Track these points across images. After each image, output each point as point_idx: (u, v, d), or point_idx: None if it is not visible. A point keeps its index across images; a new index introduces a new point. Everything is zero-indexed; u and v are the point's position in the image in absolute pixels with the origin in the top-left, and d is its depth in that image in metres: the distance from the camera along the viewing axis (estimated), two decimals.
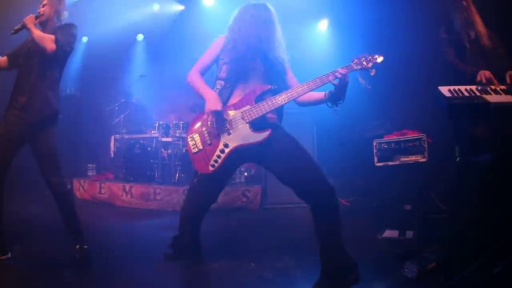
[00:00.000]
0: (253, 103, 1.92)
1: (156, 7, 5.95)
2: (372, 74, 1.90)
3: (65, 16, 2.39)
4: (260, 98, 1.94)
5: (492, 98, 1.91)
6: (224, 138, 1.92)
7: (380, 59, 1.90)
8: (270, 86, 1.97)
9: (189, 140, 2.01)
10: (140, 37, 6.61)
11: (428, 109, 3.76)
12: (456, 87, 2.00)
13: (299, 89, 1.90)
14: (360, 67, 1.90)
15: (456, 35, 2.38)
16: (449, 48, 2.38)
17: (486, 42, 2.32)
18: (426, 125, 3.76)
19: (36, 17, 2.25)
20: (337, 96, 1.91)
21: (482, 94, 1.95)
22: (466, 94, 1.96)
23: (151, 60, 6.48)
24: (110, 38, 5.84)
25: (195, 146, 1.97)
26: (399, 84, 4.45)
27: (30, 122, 2.19)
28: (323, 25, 5.65)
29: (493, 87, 1.99)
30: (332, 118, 4.89)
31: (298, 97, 1.92)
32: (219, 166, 1.90)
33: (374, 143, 3.58)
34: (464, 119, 2.24)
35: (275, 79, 2.03)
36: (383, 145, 3.54)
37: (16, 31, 2.22)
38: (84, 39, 6.27)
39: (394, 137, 3.53)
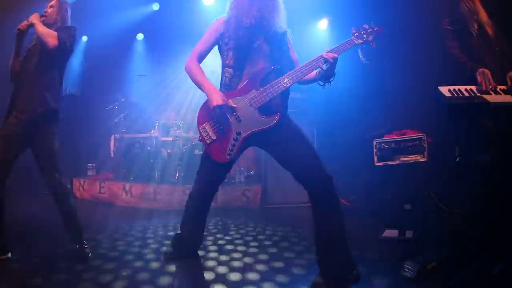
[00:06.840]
0: (259, 86, 1.92)
1: (156, 7, 5.95)
2: (373, 46, 1.87)
3: (68, 23, 2.41)
4: (264, 80, 1.93)
5: (492, 98, 1.91)
6: (236, 126, 1.92)
7: (380, 30, 1.88)
8: (272, 67, 1.95)
9: (201, 131, 1.99)
10: (140, 37, 6.62)
11: (428, 109, 3.77)
12: (456, 87, 2.00)
13: (303, 69, 1.90)
14: (361, 41, 1.89)
15: (460, 25, 2.36)
16: (453, 40, 2.36)
17: (491, 32, 2.30)
18: (426, 125, 3.75)
19: (41, 16, 2.27)
20: (328, 75, 1.95)
21: (482, 94, 1.95)
22: (466, 94, 1.96)
23: (151, 59, 6.48)
24: (110, 38, 5.84)
25: (208, 137, 1.97)
26: (399, 84, 4.45)
27: (26, 120, 2.20)
28: (323, 24, 5.64)
29: (491, 87, 1.99)
30: (332, 118, 4.94)
31: (301, 78, 1.92)
32: (234, 154, 1.92)
33: (374, 143, 3.57)
34: (464, 119, 2.23)
35: (280, 58, 2.01)
36: (383, 144, 3.53)
37: (22, 28, 2.23)
38: (84, 38, 6.27)
39: (394, 137, 3.52)
